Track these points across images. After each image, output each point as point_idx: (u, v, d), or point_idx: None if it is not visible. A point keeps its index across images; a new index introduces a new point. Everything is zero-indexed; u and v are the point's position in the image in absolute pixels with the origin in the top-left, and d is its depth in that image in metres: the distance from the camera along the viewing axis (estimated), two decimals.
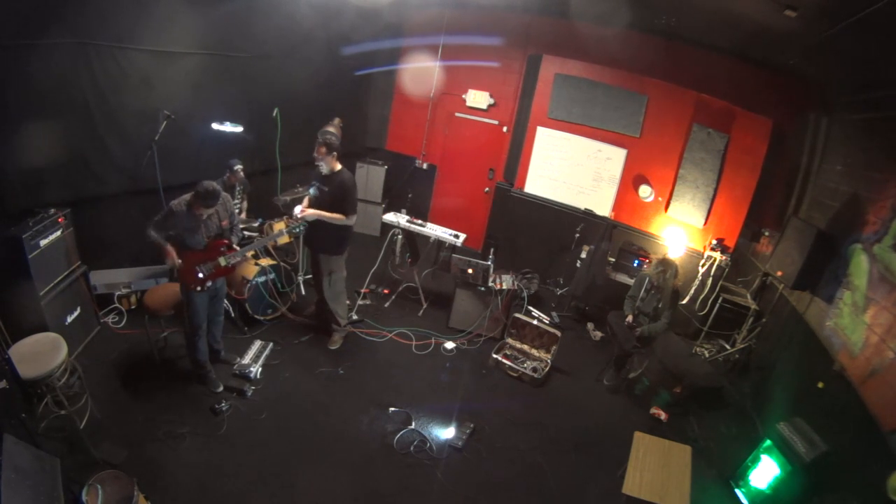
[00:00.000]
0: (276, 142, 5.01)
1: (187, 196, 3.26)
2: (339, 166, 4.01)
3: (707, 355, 5.04)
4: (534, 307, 5.14)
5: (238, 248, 3.56)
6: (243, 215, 4.94)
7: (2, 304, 3.17)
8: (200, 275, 3.36)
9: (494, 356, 4.53)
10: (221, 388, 3.67)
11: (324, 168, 3.97)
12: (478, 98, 6.67)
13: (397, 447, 3.46)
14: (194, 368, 3.69)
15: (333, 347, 4.41)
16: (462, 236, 5.24)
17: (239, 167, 4.70)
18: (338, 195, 3.97)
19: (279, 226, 5.26)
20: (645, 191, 5.77)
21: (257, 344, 4.15)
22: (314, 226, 4.02)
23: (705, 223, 5.55)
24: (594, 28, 5.50)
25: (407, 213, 5.55)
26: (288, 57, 5.51)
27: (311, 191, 4.06)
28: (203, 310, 3.50)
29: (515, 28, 6.24)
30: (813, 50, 3.82)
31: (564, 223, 6.06)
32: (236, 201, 4.95)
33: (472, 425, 3.72)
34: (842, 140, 4.41)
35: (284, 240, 5.04)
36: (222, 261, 3.45)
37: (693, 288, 5.35)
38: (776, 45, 4.18)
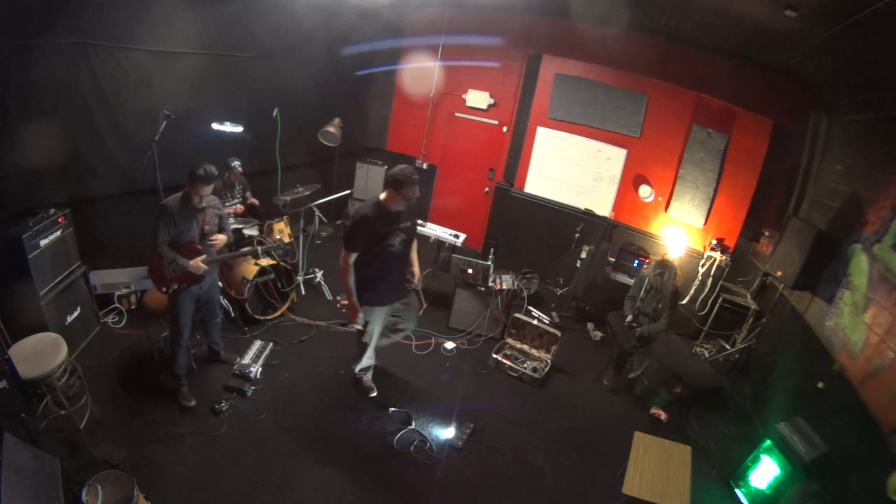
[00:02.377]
0: (276, 142, 5.01)
1: (177, 194, 3.24)
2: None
3: (707, 355, 5.04)
4: (534, 307, 5.14)
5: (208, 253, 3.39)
6: (238, 208, 4.93)
7: (2, 304, 3.18)
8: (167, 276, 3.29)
9: (494, 356, 4.53)
10: (193, 403, 3.48)
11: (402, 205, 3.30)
12: (478, 98, 6.67)
13: (397, 447, 3.46)
14: (171, 378, 3.53)
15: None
16: (462, 236, 5.25)
17: (237, 163, 4.71)
18: (416, 222, 3.62)
19: (279, 226, 5.26)
20: (645, 191, 5.77)
21: (257, 344, 4.15)
22: (400, 268, 3.54)
23: (705, 223, 5.55)
24: (594, 28, 5.51)
25: None
26: (288, 57, 5.51)
27: (397, 244, 3.35)
28: (188, 312, 3.39)
29: (515, 28, 6.24)
30: (813, 50, 3.82)
31: (564, 223, 6.06)
32: (237, 199, 4.96)
33: (472, 425, 3.72)
34: (842, 140, 4.40)
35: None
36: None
37: (693, 288, 5.35)
38: (776, 45, 4.18)
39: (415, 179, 3.18)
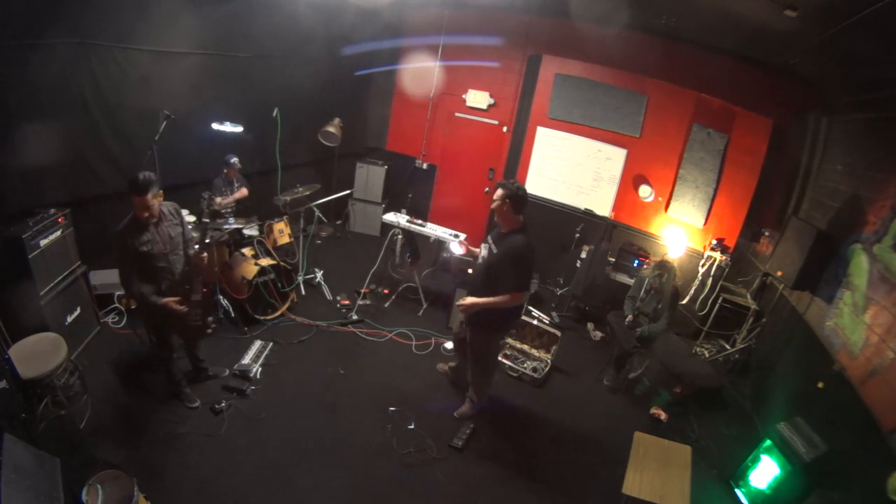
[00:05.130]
0: (276, 142, 5.02)
1: (128, 216, 2.94)
2: (517, 225, 3.20)
3: (707, 355, 5.04)
4: (534, 307, 5.14)
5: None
6: (233, 198, 4.91)
7: (2, 304, 3.17)
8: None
9: None
10: (198, 404, 3.47)
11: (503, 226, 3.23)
12: (478, 98, 6.67)
13: (397, 447, 3.46)
14: (170, 387, 3.50)
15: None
16: (462, 236, 5.24)
17: (235, 160, 4.71)
18: (504, 263, 3.16)
19: (279, 226, 5.26)
20: (645, 191, 5.77)
21: (257, 344, 4.15)
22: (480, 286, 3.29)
23: (705, 223, 5.55)
24: (594, 28, 5.50)
25: (407, 213, 5.56)
26: (288, 57, 5.51)
27: (482, 250, 3.30)
28: (171, 333, 3.31)
29: (515, 28, 6.24)
30: (813, 50, 3.82)
31: (564, 223, 6.06)
32: (236, 196, 4.95)
33: (472, 425, 3.71)
34: (842, 140, 4.41)
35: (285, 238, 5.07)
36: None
37: (693, 288, 5.35)
38: (776, 45, 4.18)
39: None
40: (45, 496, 2.18)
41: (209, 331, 3.44)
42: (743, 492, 3.44)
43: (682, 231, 5.60)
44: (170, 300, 3.02)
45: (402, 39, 6.81)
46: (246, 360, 3.93)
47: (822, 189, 4.55)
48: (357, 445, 3.43)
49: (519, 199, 3.13)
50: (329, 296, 5.28)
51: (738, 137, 5.27)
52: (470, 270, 4.78)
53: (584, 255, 5.72)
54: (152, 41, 4.09)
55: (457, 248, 4.24)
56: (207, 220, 3.64)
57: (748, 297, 5.19)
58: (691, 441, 3.77)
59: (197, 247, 3.19)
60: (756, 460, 3.39)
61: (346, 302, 5.15)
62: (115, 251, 2.94)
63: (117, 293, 4.24)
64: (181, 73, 4.36)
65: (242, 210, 5.08)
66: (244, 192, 4.98)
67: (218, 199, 4.67)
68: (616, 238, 5.80)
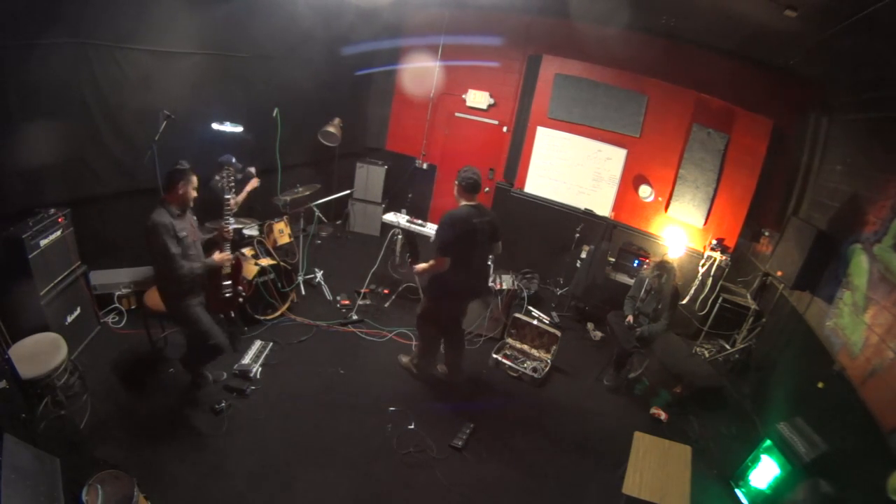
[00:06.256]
0: (276, 142, 5.02)
1: (159, 209, 3.03)
2: (462, 202, 3.62)
3: (707, 355, 5.04)
4: (534, 307, 5.14)
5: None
6: (234, 200, 4.88)
7: (2, 304, 3.17)
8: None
9: (494, 356, 4.53)
10: (212, 378, 3.64)
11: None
12: (478, 98, 6.68)
13: (397, 447, 3.46)
14: (195, 378, 3.59)
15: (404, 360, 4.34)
16: None
17: (233, 159, 4.70)
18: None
19: (279, 226, 5.26)
20: (645, 191, 5.77)
21: (257, 344, 4.15)
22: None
23: (705, 223, 5.55)
24: (594, 28, 5.51)
25: (407, 213, 5.55)
26: (288, 57, 5.51)
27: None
28: (208, 315, 3.35)
29: (515, 28, 6.25)
30: (813, 50, 3.82)
31: (564, 223, 6.06)
32: (248, 189, 4.92)
33: (472, 425, 3.71)
34: (842, 140, 4.41)
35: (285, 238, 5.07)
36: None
37: (693, 288, 5.35)
38: (776, 45, 4.18)
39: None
40: (45, 496, 2.18)
41: (240, 300, 3.50)
42: (743, 492, 3.44)
43: (682, 231, 5.60)
44: (217, 254, 3.28)
45: (402, 39, 6.81)
46: (246, 360, 3.93)
47: (822, 189, 4.55)
48: (357, 445, 3.43)
49: (465, 182, 3.56)
50: (329, 296, 5.28)
51: (739, 137, 5.27)
52: None
53: (584, 255, 5.72)
54: (152, 41, 4.08)
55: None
56: (229, 197, 3.62)
57: (748, 297, 5.19)
58: (691, 441, 3.77)
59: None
60: (756, 460, 3.39)
61: (346, 302, 5.15)
62: (161, 238, 2.94)
63: (117, 293, 4.24)
64: (181, 73, 4.35)
65: (244, 208, 5.07)
66: (255, 182, 4.85)
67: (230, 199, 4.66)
68: (616, 238, 5.80)
